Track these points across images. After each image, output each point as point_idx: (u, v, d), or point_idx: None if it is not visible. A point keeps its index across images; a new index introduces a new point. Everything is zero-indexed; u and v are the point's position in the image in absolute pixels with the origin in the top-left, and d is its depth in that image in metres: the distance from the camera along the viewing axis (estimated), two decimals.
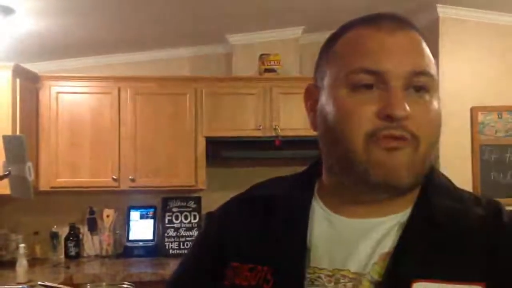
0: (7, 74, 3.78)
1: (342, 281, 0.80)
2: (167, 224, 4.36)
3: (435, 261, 0.77)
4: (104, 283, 3.24)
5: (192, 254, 1.04)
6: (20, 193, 2.75)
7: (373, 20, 0.85)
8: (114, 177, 4.08)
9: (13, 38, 3.77)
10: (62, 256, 4.28)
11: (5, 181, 2.72)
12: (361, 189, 0.83)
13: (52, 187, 4.06)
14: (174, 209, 4.40)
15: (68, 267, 3.95)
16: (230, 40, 4.39)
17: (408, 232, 0.81)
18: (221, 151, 4.13)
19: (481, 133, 3.82)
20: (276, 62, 4.24)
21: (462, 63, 3.86)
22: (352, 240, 0.83)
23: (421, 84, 0.79)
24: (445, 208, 0.83)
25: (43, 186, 4.03)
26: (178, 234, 4.34)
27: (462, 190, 0.90)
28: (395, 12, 0.88)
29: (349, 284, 0.80)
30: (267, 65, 4.24)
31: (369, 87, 0.79)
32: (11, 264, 3.69)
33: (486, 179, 3.80)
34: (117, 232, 4.38)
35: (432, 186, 0.86)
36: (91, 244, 4.38)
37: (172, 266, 3.89)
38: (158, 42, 4.41)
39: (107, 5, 3.46)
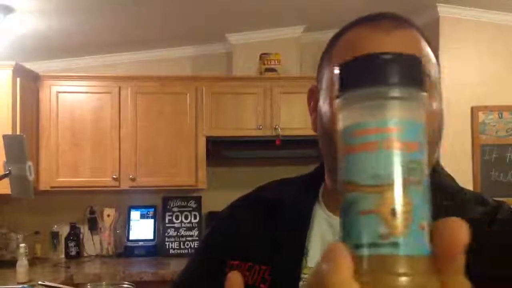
0: (8, 74, 3.78)
1: None
2: (167, 223, 4.36)
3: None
4: (104, 283, 3.24)
5: (197, 254, 1.05)
6: (21, 192, 2.75)
7: (371, 20, 0.85)
8: (115, 176, 4.08)
9: (13, 37, 3.77)
10: (63, 255, 4.28)
11: (6, 180, 2.72)
12: None
13: (52, 187, 4.06)
14: (175, 209, 4.39)
15: (68, 267, 3.95)
16: (230, 40, 4.39)
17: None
18: (221, 150, 4.13)
19: (482, 132, 3.82)
20: (276, 61, 4.24)
21: (463, 62, 3.85)
22: None
23: None
24: (443, 209, 0.81)
25: (44, 185, 4.03)
26: (178, 233, 4.34)
27: (467, 191, 0.89)
28: (395, 12, 0.88)
29: None
30: (268, 64, 4.24)
31: None
32: (12, 263, 3.69)
33: (487, 179, 3.80)
34: (118, 231, 4.38)
35: (433, 188, 0.85)
36: (91, 243, 4.38)
37: (172, 266, 3.89)
38: (159, 42, 4.41)
39: (107, 5, 3.46)
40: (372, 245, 0.36)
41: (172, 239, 4.33)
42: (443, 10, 3.82)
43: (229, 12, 3.85)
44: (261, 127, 4.11)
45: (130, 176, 4.09)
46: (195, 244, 4.32)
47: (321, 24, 4.37)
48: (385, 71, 0.37)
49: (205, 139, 4.13)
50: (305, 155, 3.86)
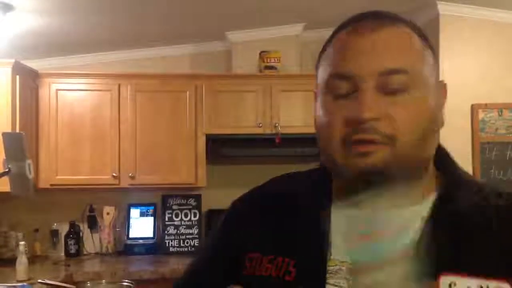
0: (7, 71, 3.78)
1: (364, 273, 0.81)
2: (167, 221, 4.36)
3: (461, 255, 0.77)
4: (104, 281, 3.23)
5: (210, 242, 1.08)
6: (20, 190, 2.74)
7: (354, 22, 0.87)
8: (114, 174, 4.07)
9: (13, 35, 3.76)
10: (62, 253, 4.28)
11: (5, 178, 2.71)
12: (353, 190, 0.86)
13: (52, 185, 4.06)
14: (174, 207, 4.39)
15: (68, 265, 3.95)
16: (230, 37, 4.38)
17: (431, 225, 0.81)
18: (221, 148, 4.12)
19: (482, 130, 3.82)
20: (276, 59, 4.24)
21: (463, 60, 3.85)
22: (371, 233, 0.84)
23: (395, 84, 0.80)
24: (469, 201, 0.83)
25: (43, 183, 4.03)
26: (178, 231, 4.34)
27: (482, 183, 0.91)
28: (381, 10, 0.90)
29: (369, 277, 0.81)
30: (267, 62, 4.23)
31: (345, 95, 0.82)
32: (11, 261, 3.69)
33: (487, 177, 3.79)
34: (117, 229, 4.38)
35: (451, 179, 0.88)
36: (91, 241, 4.38)
37: (172, 264, 3.89)
38: (158, 40, 4.40)
39: (107, 3, 3.46)
40: None
41: (172, 237, 4.33)
42: (443, 8, 3.81)
43: (229, 10, 3.84)
44: (260, 125, 4.11)
45: (130, 174, 4.08)
46: (195, 242, 4.32)
47: (321, 22, 4.35)
48: None
49: (204, 137, 4.12)
50: (305, 153, 3.86)
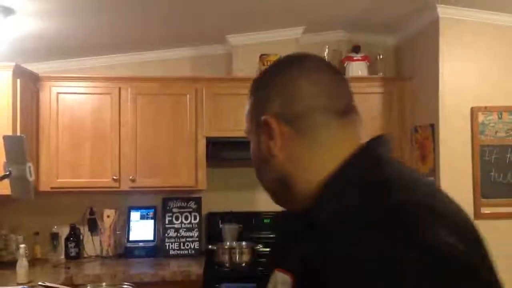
0: (8, 75, 3.78)
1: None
2: (167, 224, 4.36)
3: (285, 254, 0.92)
4: (104, 284, 3.24)
5: None
6: (21, 193, 2.75)
7: None
8: (115, 177, 4.08)
9: (13, 39, 3.77)
10: (63, 256, 4.28)
11: (6, 181, 2.72)
12: None
13: (52, 188, 4.06)
14: (175, 210, 4.40)
15: (68, 268, 3.95)
16: (230, 41, 4.39)
17: (281, 231, 1.07)
18: (221, 151, 4.13)
19: (482, 133, 3.82)
20: None
21: (462, 63, 3.85)
22: None
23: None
24: (326, 209, 0.88)
25: (44, 186, 4.03)
26: (178, 234, 4.35)
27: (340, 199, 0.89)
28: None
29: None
30: (267, 65, 4.22)
31: None
32: (12, 264, 3.70)
33: (486, 180, 3.79)
34: (118, 232, 4.38)
35: (330, 190, 0.91)
36: (91, 244, 4.38)
37: (172, 267, 3.89)
38: (159, 43, 4.41)
39: (107, 6, 3.46)
40: None
41: (172, 240, 4.33)
42: (443, 11, 3.82)
43: (229, 14, 3.85)
44: None
45: (130, 177, 4.09)
46: (195, 245, 4.33)
47: (321, 26, 4.37)
48: None
49: (205, 140, 4.13)
50: None
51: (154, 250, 4.25)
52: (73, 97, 4.12)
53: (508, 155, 3.82)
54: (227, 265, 3.88)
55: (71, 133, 4.09)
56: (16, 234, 4.18)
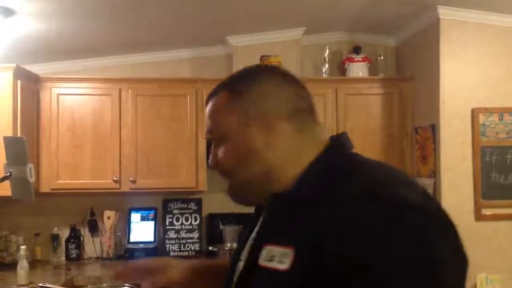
0: (8, 76, 3.79)
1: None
2: (167, 226, 4.36)
3: (277, 229, 1.00)
4: (104, 285, 3.24)
5: None
6: (21, 195, 2.74)
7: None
8: (115, 178, 4.08)
9: (14, 40, 3.77)
10: (63, 258, 4.28)
11: (6, 182, 2.72)
12: None
13: (52, 189, 4.06)
14: (175, 211, 4.39)
15: (69, 269, 3.95)
16: (230, 42, 4.39)
17: (268, 208, 1.08)
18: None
19: (482, 134, 3.82)
20: (276, 63, 4.24)
21: (463, 64, 3.85)
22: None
23: (210, 140, 1.12)
24: (308, 188, 0.99)
25: (44, 187, 4.03)
26: (179, 236, 4.34)
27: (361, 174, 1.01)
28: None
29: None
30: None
31: None
32: (12, 266, 3.70)
33: (487, 181, 3.79)
34: (118, 233, 4.38)
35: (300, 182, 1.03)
36: (92, 246, 4.38)
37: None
38: (159, 44, 4.41)
39: (108, 7, 3.46)
40: None
41: (173, 241, 4.33)
42: (444, 12, 3.82)
43: (230, 15, 3.85)
44: None
45: (131, 178, 4.09)
46: (196, 246, 4.32)
47: (321, 27, 4.37)
48: None
49: (205, 141, 4.12)
50: None
51: (155, 252, 4.25)
52: (74, 98, 4.13)
53: (509, 156, 3.82)
54: None
55: (72, 134, 4.09)
56: (16, 235, 4.18)
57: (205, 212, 4.43)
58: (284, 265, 0.91)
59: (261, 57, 4.25)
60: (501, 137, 3.84)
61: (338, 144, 1.07)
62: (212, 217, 4.42)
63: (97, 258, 4.34)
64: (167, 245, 4.32)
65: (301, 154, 1.03)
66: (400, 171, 1.02)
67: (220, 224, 4.34)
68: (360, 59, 4.41)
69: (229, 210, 4.41)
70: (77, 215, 4.36)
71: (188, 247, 4.32)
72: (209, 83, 4.17)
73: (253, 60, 4.24)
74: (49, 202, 4.26)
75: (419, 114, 4.15)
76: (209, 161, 1.12)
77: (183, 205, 4.41)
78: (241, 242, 1.16)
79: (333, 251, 0.84)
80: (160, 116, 4.13)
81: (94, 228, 4.36)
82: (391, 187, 0.91)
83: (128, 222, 4.34)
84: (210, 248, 4.04)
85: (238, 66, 4.35)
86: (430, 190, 3.71)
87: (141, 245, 4.26)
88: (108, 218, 4.33)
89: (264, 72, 1.14)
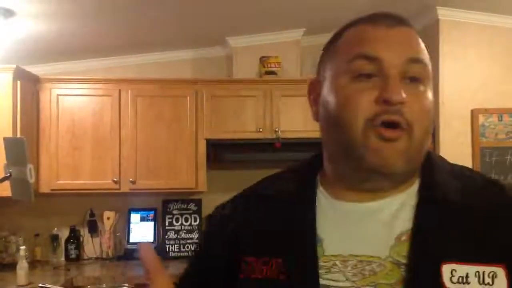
0: (8, 77, 3.79)
1: (359, 265, 0.82)
2: (167, 226, 4.36)
3: (459, 242, 0.80)
4: (104, 285, 3.24)
5: (196, 255, 1.08)
6: (21, 195, 2.75)
7: (372, 18, 0.91)
8: (115, 179, 4.08)
9: (14, 41, 3.77)
10: (63, 258, 4.28)
11: (6, 183, 2.72)
12: (359, 176, 0.86)
13: (52, 189, 4.06)
14: (175, 212, 4.39)
15: (68, 270, 3.95)
16: (230, 43, 4.39)
17: (421, 213, 0.84)
18: (221, 153, 4.13)
19: (482, 135, 3.82)
20: (276, 64, 4.25)
21: (463, 65, 3.86)
22: (360, 224, 0.86)
23: (416, 74, 0.85)
24: (452, 186, 0.87)
25: (44, 188, 4.03)
26: (178, 236, 4.34)
27: (460, 167, 0.95)
28: (393, 12, 0.93)
29: (368, 267, 0.82)
30: (268, 67, 4.24)
31: (368, 76, 0.84)
32: (12, 266, 3.70)
33: None
34: (118, 234, 4.38)
35: (432, 166, 0.91)
36: (91, 246, 4.38)
37: (172, 269, 3.88)
38: (159, 45, 4.41)
39: (108, 8, 3.47)
40: None
41: (172, 242, 4.33)
42: (443, 13, 3.82)
43: (230, 15, 3.85)
44: (261, 130, 4.12)
45: (130, 179, 4.09)
46: (196, 247, 4.32)
47: (321, 28, 4.36)
48: None
49: (205, 142, 4.13)
50: (305, 157, 3.86)
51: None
52: (73, 99, 4.13)
53: (509, 157, 3.83)
54: None
55: (71, 135, 4.09)
56: (16, 236, 4.18)
57: (204, 213, 4.43)
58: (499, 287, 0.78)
59: (261, 58, 4.25)
60: (501, 138, 3.84)
61: None
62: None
63: (96, 258, 4.34)
64: (167, 246, 4.32)
65: None
66: None
67: None
68: None
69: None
70: (77, 215, 4.36)
71: (187, 247, 4.32)
72: (209, 84, 4.18)
73: (253, 61, 4.26)
74: (49, 202, 4.26)
75: None
76: (402, 100, 0.81)
77: (182, 206, 4.41)
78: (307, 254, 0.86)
79: None
80: (160, 117, 4.14)
81: (93, 229, 4.36)
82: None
83: (128, 222, 4.34)
84: None
85: (238, 67, 4.37)
86: None
87: None
88: (108, 218, 4.33)
89: None
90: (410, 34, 0.89)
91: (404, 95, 0.81)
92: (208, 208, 4.40)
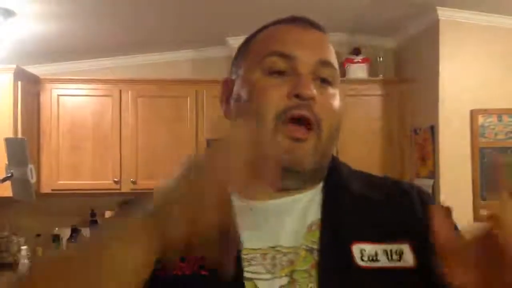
0: (9, 77, 3.80)
1: (278, 256, 0.85)
2: None
3: (362, 226, 0.86)
4: None
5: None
6: (22, 195, 2.76)
7: (288, 20, 0.97)
8: (115, 179, 4.09)
9: (14, 41, 3.78)
10: None
11: (7, 183, 2.73)
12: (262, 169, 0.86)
13: (53, 190, 4.07)
14: None
15: None
16: (230, 43, 4.40)
17: (328, 204, 0.89)
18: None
19: (481, 135, 3.82)
20: None
21: (462, 65, 3.86)
22: (276, 218, 0.88)
23: (326, 76, 0.89)
24: (353, 181, 0.93)
25: (45, 188, 4.04)
26: None
27: (359, 170, 0.99)
28: (308, 17, 0.98)
29: (285, 258, 0.85)
30: None
31: (280, 73, 0.87)
32: (13, 266, 3.70)
33: (486, 182, 3.80)
34: None
35: (335, 166, 0.95)
36: None
37: None
38: (159, 45, 4.42)
39: (108, 8, 3.47)
40: None
41: None
42: (443, 14, 3.83)
43: (229, 15, 3.86)
44: None
45: (131, 179, 4.10)
46: None
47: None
48: None
49: (205, 142, 4.13)
50: None
51: None
52: (74, 99, 4.13)
53: None
54: None
55: (72, 135, 4.09)
56: (17, 236, 4.19)
57: None
58: (407, 263, 0.83)
59: None
60: (500, 138, 3.84)
61: None
62: None
63: None
64: None
65: None
66: None
67: None
68: (360, 60, 4.42)
69: None
70: (78, 215, 4.36)
71: None
72: (209, 84, 4.18)
73: None
74: (50, 202, 4.27)
75: (419, 115, 4.16)
76: (313, 95, 0.84)
77: None
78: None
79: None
80: (161, 117, 4.14)
81: (94, 229, 4.37)
82: None
83: None
84: None
85: None
86: (429, 191, 3.72)
87: None
88: None
89: None
90: (323, 38, 0.93)
91: (314, 91, 0.84)
92: None
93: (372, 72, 4.47)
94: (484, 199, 3.79)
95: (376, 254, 0.83)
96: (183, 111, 4.15)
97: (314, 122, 0.85)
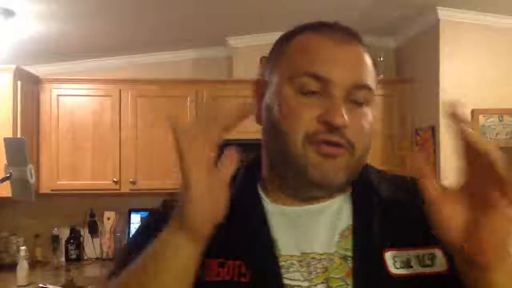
0: (8, 77, 3.79)
1: (312, 263, 0.85)
2: None
3: (394, 232, 0.87)
4: None
5: (129, 252, 0.94)
6: (21, 195, 2.75)
7: (324, 29, 0.92)
8: (115, 179, 4.08)
9: (14, 41, 3.77)
10: (63, 259, 4.28)
11: (6, 183, 2.72)
12: (300, 183, 0.88)
13: (52, 190, 4.06)
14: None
15: (68, 270, 3.95)
16: (231, 43, 4.39)
17: (359, 210, 0.90)
18: (222, 154, 4.13)
19: (482, 135, 3.82)
20: None
21: (463, 65, 3.85)
22: (308, 225, 0.89)
23: (360, 99, 0.87)
24: (382, 185, 0.94)
25: (44, 188, 4.03)
26: None
27: (383, 171, 1.00)
28: (346, 25, 0.94)
29: (319, 264, 0.85)
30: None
31: (314, 93, 0.86)
32: (12, 267, 3.70)
33: None
34: (118, 234, 4.38)
35: (363, 169, 0.94)
36: (91, 246, 4.38)
37: None
38: (159, 45, 4.41)
39: (108, 9, 3.47)
40: None
41: None
42: (443, 14, 3.82)
43: (230, 16, 3.85)
44: None
45: (131, 179, 4.09)
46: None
47: None
48: None
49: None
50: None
51: None
52: (74, 100, 4.13)
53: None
54: None
55: (72, 135, 4.09)
56: (16, 236, 4.19)
57: None
58: (439, 267, 0.84)
59: (261, 58, 4.25)
60: (501, 139, 3.84)
61: None
62: None
63: (97, 259, 4.34)
64: None
65: None
66: None
67: None
68: None
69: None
70: (77, 216, 4.36)
71: None
72: (210, 84, 4.18)
73: (254, 61, 4.25)
74: (49, 203, 4.26)
75: (419, 115, 4.15)
76: (344, 124, 0.83)
77: None
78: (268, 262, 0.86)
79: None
80: (160, 117, 4.13)
81: (94, 229, 4.36)
82: None
83: (128, 223, 4.35)
84: None
85: (239, 67, 4.37)
86: None
87: None
88: (108, 219, 4.33)
89: None
90: (360, 54, 0.90)
91: (346, 118, 0.83)
92: None
93: None
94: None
95: (409, 260, 0.84)
96: (183, 112, 4.14)
97: (346, 144, 0.85)
